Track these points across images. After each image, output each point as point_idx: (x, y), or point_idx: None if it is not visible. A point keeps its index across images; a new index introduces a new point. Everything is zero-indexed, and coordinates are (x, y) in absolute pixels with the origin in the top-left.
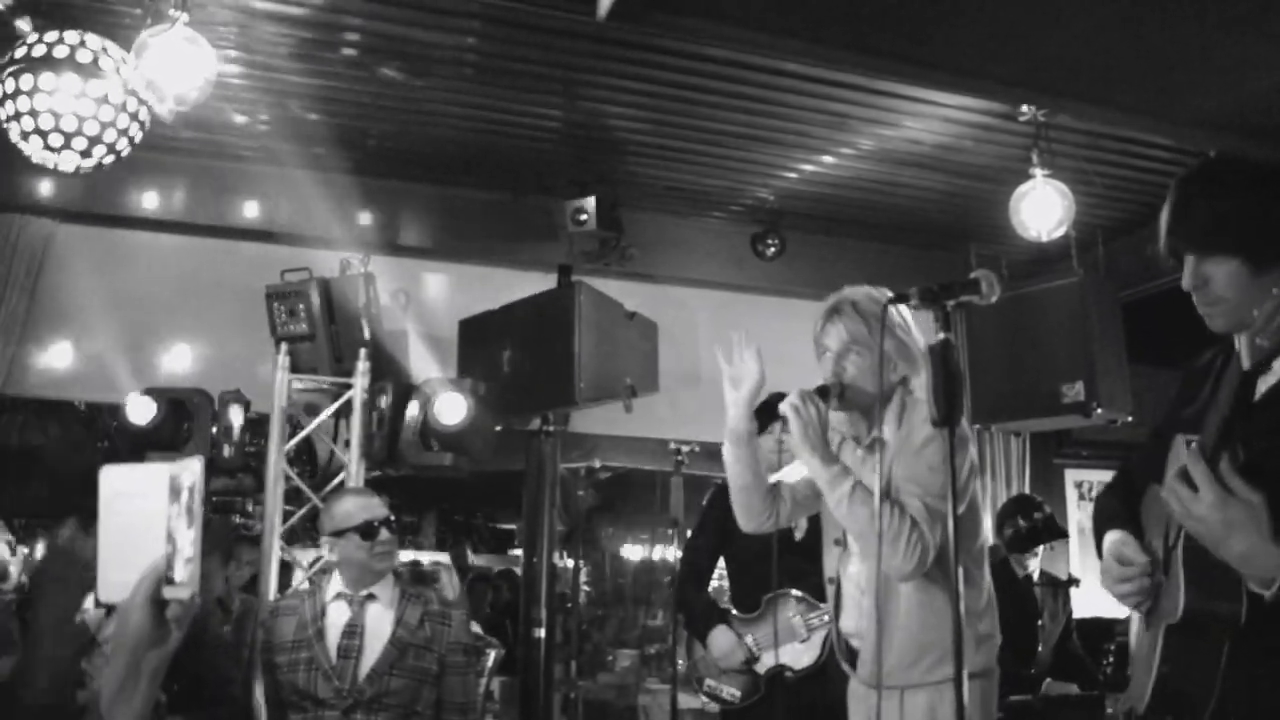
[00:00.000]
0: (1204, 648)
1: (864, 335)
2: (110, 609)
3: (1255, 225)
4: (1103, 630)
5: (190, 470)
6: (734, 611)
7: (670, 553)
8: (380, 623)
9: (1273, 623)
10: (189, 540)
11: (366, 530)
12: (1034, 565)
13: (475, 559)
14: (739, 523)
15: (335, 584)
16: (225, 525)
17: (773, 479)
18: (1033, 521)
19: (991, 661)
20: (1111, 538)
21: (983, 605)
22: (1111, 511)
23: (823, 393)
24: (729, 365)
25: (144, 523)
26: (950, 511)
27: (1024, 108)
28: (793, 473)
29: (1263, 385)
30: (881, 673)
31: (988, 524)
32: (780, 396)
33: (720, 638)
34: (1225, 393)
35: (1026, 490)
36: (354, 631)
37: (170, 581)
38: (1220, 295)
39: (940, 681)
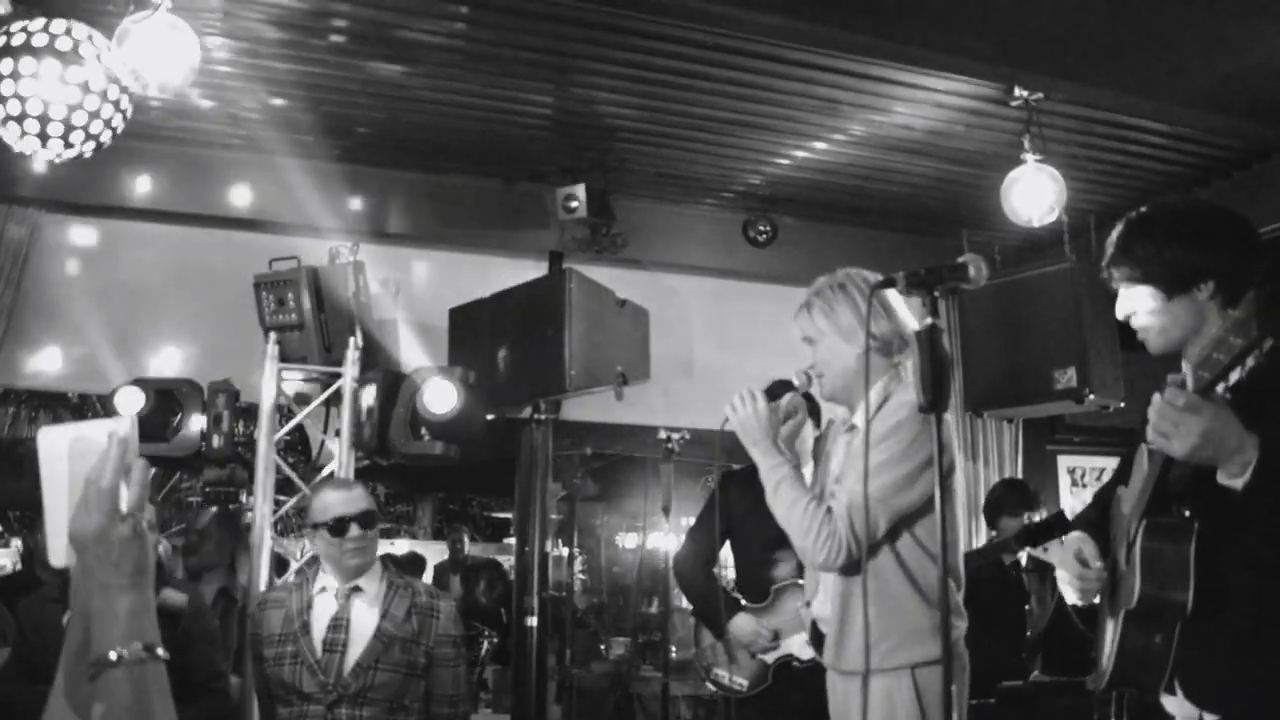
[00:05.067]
0: (1158, 630)
1: (834, 323)
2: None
3: (1160, 258)
4: (1092, 616)
5: (122, 427)
6: (742, 600)
7: (662, 540)
8: (366, 616)
9: (1213, 612)
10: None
11: (336, 527)
12: (1021, 551)
13: (472, 548)
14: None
15: (322, 576)
16: (238, 518)
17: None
18: (1046, 518)
19: (957, 648)
20: (1071, 535)
21: (936, 596)
22: (1085, 516)
23: (772, 390)
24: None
25: (82, 483)
26: (932, 497)
27: (1016, 91)
28: None
29: None
30: (847, 657)
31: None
32: (780, 383)
33: (744, 622)
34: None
35: (1019, 476)
36: (339, 625)
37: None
38: (1141, 323)
39: (894, 669)
